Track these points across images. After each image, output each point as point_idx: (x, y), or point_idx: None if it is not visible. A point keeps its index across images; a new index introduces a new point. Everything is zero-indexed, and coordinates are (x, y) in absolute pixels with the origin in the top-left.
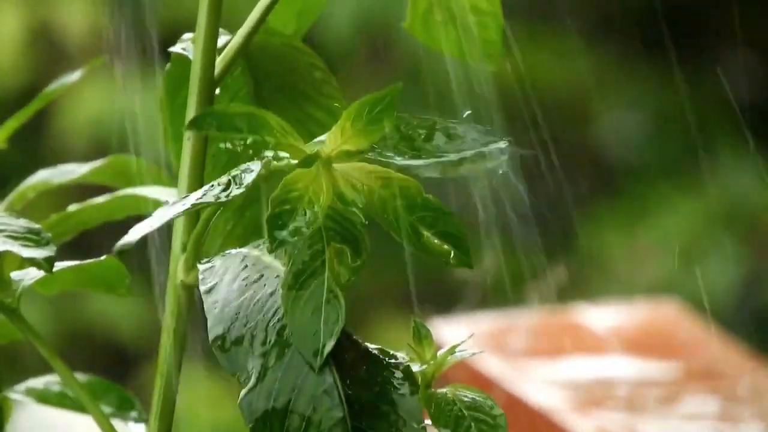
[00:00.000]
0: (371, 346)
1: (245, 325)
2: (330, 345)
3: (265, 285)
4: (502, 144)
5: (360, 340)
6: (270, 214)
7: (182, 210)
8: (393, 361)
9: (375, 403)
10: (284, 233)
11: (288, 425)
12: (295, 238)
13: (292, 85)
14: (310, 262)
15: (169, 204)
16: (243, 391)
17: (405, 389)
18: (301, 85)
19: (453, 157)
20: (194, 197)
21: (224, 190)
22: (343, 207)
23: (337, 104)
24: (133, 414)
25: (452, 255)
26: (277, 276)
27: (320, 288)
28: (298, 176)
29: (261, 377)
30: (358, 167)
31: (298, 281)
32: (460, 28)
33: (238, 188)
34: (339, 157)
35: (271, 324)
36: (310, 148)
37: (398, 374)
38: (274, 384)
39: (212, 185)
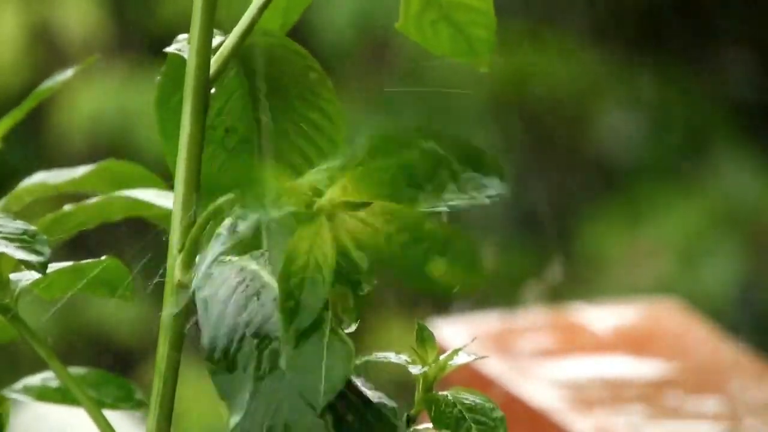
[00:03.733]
0: (369, 392)
1: (239, 349)
2: (335, 390)
3: (262, 305)
4: (501, 190)
5: (359, 385)
6: (281, 297)
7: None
8: (384, 403)
9: None
10: (302, 321)
11: None
12: (311, 315)
13: (287, 87)
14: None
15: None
16: (233, 420)
17: None
18: (296, 87)
19: (452, 203)
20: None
21: (225, 241)
22: (349, 261)
23: (332, 106)
24: (135, 403)
25: (467, 272)
26: (275, 298)
27: (322, 331)
28: (299, 239)
29: (253, 407)
30: (360, 213)
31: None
32: (452, 27)
33: (236, 237)
34: (341, 207)
35: (267, 351)
36: (309, 190)
37: (388, 420)
38: (266, 417)
39: (215, 245)
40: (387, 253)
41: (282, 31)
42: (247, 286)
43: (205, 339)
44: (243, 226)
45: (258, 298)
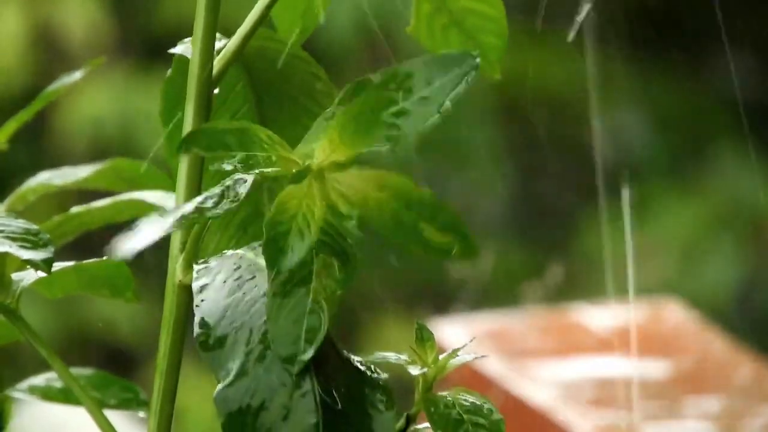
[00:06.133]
0: (355, 357)
1: (231, 325)
2: (308, 354)
3: (256, 286)
4: (473, 60)
5: (344, 351)
6: (266, 239)
7: (173, 224)
8: (374, 375)
9: (350, 415)
10: (284, 261)
11: (260, 424)
12: (296, 262)
13: (293, 99)
14: (297, 271)
15: (161, 214)
16: (219, 386)
17: (381, 405)
18: (302, 98)
19: (441, 97)
20: (185, 210)
21: (216, 203)
22: (337, 220)
23: None
24: (137, 404)
25: (456, 247)
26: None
27: (305, 298)
28: (290, 193)
29: (240, 375)
30: (350, 174)
31: (283, 289)
32: (463, 33)
33: (230, 201)
34: (330, 168)
35: (256, 325)
36: (301, 159)
37: (377, 389)
38: (251, 383)
39: (205, 197)
40: (378, 218)
41: (302, 37)
42: (243, 271)
43: (197, 319)
44: (242, 188)
45: (253, 279)
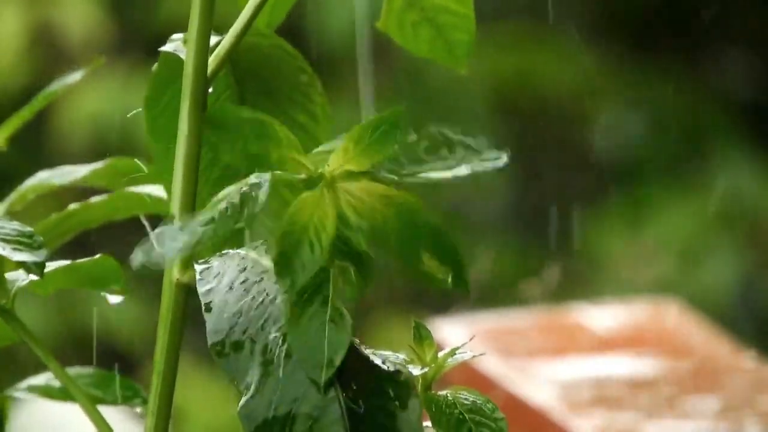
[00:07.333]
0: (373, 352)
1: (245, 331)
2: (335, 365)
3: (264, 289)
4: (502, 161)
5: (362, 348)
6: (278, 253)
7: (195, 238)
8: (395, 370)
9: (375, 417)
10: (295, 274)
11: None
12: (305, 275)
13: (277, 89)
14: (314, 279)
15: (177, 226)
16: (243, 399)
17: (406, 402)
18: (287, 88)
19: (455, 171)
20: (204, 220)
21: (239, 210)
22: (346, 230)
23: (320, 109)
24: (138, 401)
25: (450, 279)
26: (277, 281)
27: (324, 305)
28: (301, 203)
29: (261, 386)
30: (361, 186)
31: (301, 298)
32: (433, 29)
33: (254, 206)
34: (342, 177)
35: (272, 332)
36: (314, 163)
37: (399, 386)
38: (274, 393)
39: (226, 207)
40: (382, 234)
41: (268, 30)
42: (248, 273)
43: (209, 326)
44: (262, 193)
45: (260, 282)
